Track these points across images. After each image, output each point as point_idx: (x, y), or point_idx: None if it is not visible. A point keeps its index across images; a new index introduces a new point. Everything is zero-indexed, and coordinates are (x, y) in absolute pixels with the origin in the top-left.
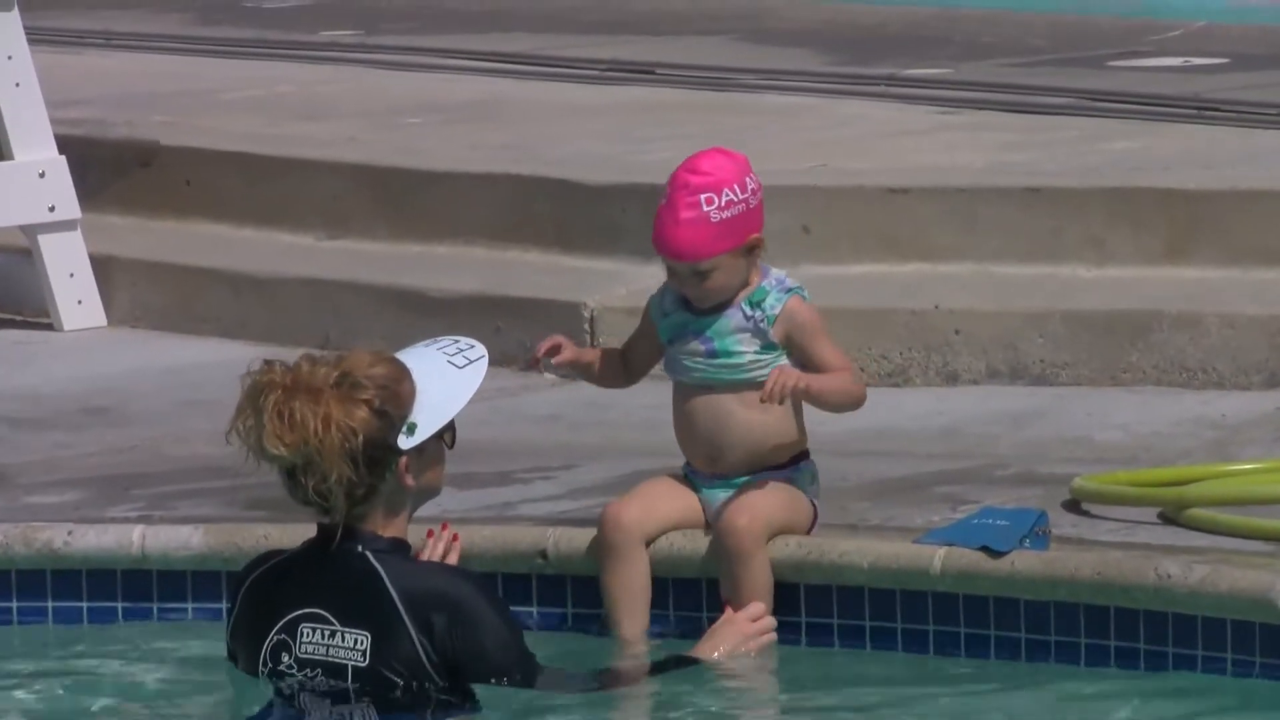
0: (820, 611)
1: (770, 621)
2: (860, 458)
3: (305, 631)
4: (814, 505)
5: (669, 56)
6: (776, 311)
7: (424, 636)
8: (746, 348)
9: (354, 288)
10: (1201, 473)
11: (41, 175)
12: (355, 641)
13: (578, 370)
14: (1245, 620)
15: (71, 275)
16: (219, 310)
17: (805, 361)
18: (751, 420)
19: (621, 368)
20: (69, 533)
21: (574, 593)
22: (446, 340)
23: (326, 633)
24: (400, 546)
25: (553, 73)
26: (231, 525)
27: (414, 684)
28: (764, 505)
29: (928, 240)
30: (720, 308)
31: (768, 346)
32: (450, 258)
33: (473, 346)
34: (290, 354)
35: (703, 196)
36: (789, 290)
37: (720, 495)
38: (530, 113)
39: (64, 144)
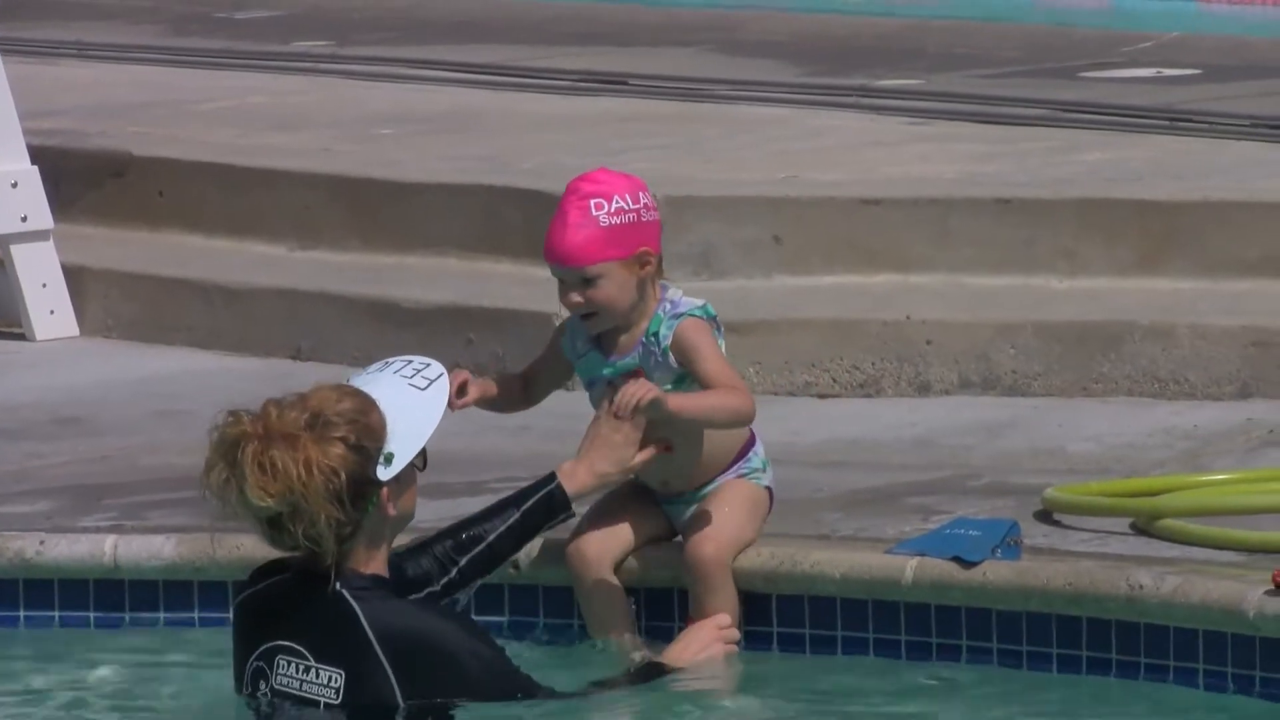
0: (792, 622)
1: (735, 633)
2: (833, 468)
3: (281, 663)
4: (769, 491)
5: (642, 67)
6: (669, 341)
7: (400, 676)
8: (660, 381)
9: (326, 298)
10: (1174, 483)
11: (14, 185)
12: (329, 679)
13: (483, 405)
14: (1217, 631)
15: (44, 285)
16: (191, 320)
17: (697, 382)
18: (688, 446)
19: (521, 392)
20: (41, 542)
21: (546, 602)
22: (399, 362)
23: (301, 667)
24: (380, 584)
25: (526, 83)
26: (204, 535)
27: None
28: (727, 529)
29: (900, 251)
30: (627, 345)
31: (678, 378)
32: (423, 268)
33: (428, 365)
34: (264, 364)
35: (592, 201)
36: (679, 315)
37: (683, 510)
38: (503, 124)
39: (37, 154)
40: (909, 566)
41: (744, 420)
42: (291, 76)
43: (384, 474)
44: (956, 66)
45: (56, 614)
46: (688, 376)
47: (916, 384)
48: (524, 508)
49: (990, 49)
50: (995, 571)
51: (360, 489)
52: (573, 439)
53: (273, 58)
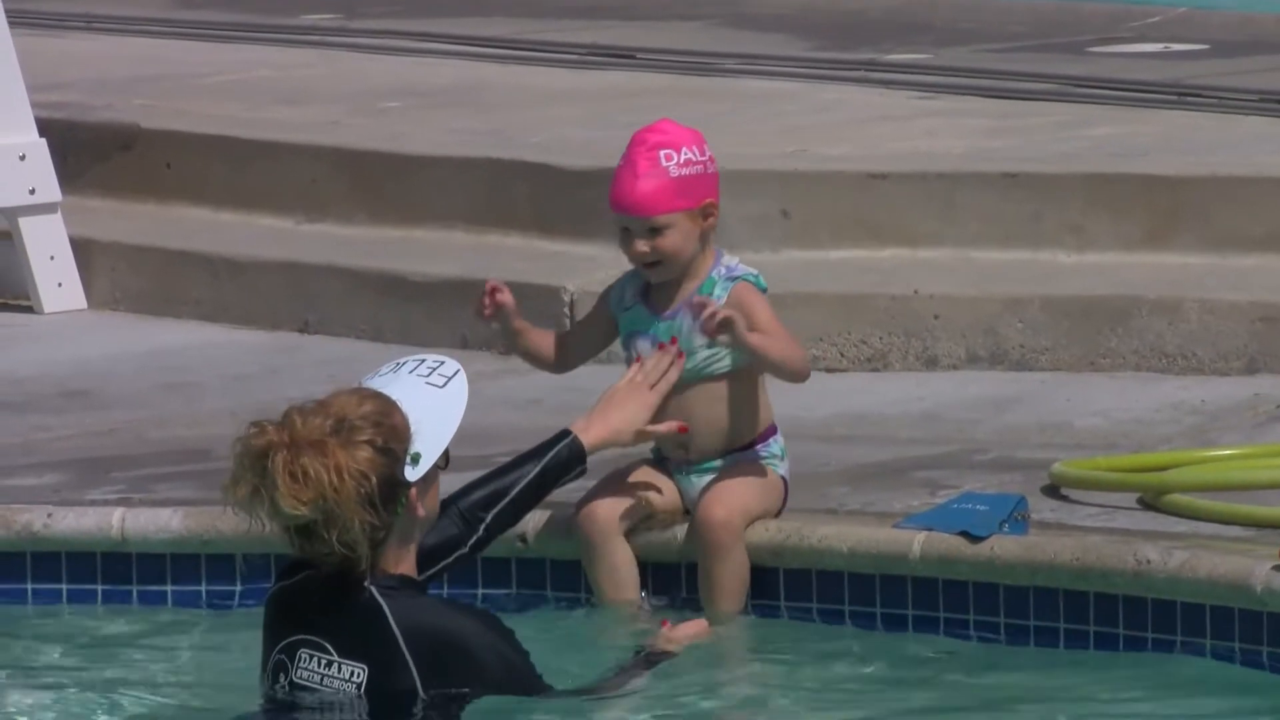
0: (799, 596)
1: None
2: (840, 443)
3: (303, 657)
4: (784, 481)
5: (649, 41)
6: (723, 299)
7: (423, 671)
8: (700, 342)
9: (333, 271)
10: (1181, 458)
11: (22, 158)
12: (351, 673)
13: (511, 323)
14: (1224, 606)
15: (52, 258)
16: (199, 293)
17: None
18: (714, 410)
19: (555, 349)
20: (48, 515)
21: (553, 575)
22: (412, 361)
23: (324, 661)
24: (408, 583)
25: (533, 57)
26: (211, 508)
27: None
28: (740, 497)
29: (907, 225)
30: (674, 303)
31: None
32: (429, 242)
33: (443, 363)
34: (270, 337)
35: (661, 152)
36: (735, 278)
37: (696, 482)
38: (510, 97)
39: (44, 127)
40: (916, 541)
41: (802, 376)
42: (298, 50)
43: (412, 474)
44: (964, 41)
45: (64, 587)
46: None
47: (924, 358)
48: (543, 461)
49: (998, 23)
50: (1003, 546)
51: (390, 491)
52: (580, 413)
53: (280, 31)
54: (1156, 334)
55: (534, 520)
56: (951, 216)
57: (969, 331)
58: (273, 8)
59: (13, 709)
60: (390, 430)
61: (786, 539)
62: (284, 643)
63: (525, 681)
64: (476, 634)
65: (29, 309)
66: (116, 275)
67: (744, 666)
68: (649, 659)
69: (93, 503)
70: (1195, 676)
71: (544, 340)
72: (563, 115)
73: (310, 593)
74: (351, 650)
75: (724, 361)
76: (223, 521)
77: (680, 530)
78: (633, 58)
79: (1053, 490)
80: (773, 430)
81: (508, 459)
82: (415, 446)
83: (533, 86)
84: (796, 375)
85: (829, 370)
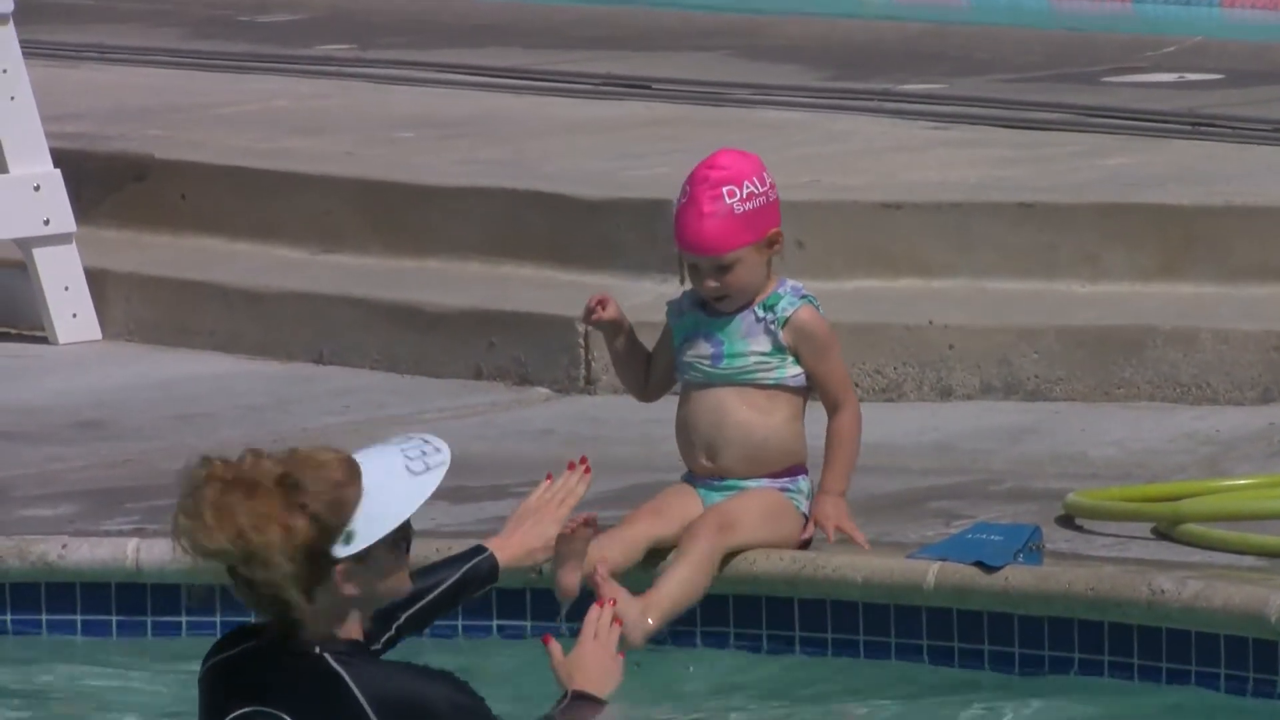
0: (814, 626)
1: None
2: (855, 473)
3: None
4: (807, 520)
5: (664, 72)
6: (788, 314)
7: None
8: (755, 347)
9: (348, 302)
10: (1195, 488)
11: (36, 189)
12: None
13: (612, 331)
14: (1239, 636)
15: (66, 289)
16: (213, 324)
17: (809, 373)
18: (751, 419)
19: (645, 365)
20: (63, 546)
21: (568, 607)
22: (417, 439)
23: None
24: (360, 649)
25: (548, 87)
26: None
27: None
28: (743, 518)
29: (921, 256)
30: (735, 310)
31: (776, 349)
32: (444, 272)
33: (439, 451)
34: (285, 368)
35: (725, 189)
36: (803, 297)
37: (717, 498)
38: (525, 127)
39: (59, 157)
40: (931, 571)
41: (860, 438)
42: (314, 80)
43: (341, 551)
44: (978, 71)
45: (79, 618)
46: (784, 351)
47: (938, 389)
48: (461, 571)
49: (1012, 54)
50: (1017, 576)
51: (314, 560)
52: (594, 444)
53: (295, 61)
54: (1171, 364)
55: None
56: (966, 246)
57: (983, 362)
58: (288, 38)
59: None
60: (333, 502)
61: (801, 569)
62: (232, 716)
63: None
64: (439, 694)
65: (43, 340)
66: (131, 306)
67: (753, 701)
68: (579, 707)
69: (107, 533)
70: (1210, 707)
71: (637, 351)
72: (578, 145)
73: (254, 663)
74: (310, 717)
75: (774, 372)
76: None
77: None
78: (648, 88)
79: (1067, 520)
80: (803, 470)
81: (520, 489)
82: (352, 525)
83: (548, 117)
84: (859, 435)
85: None
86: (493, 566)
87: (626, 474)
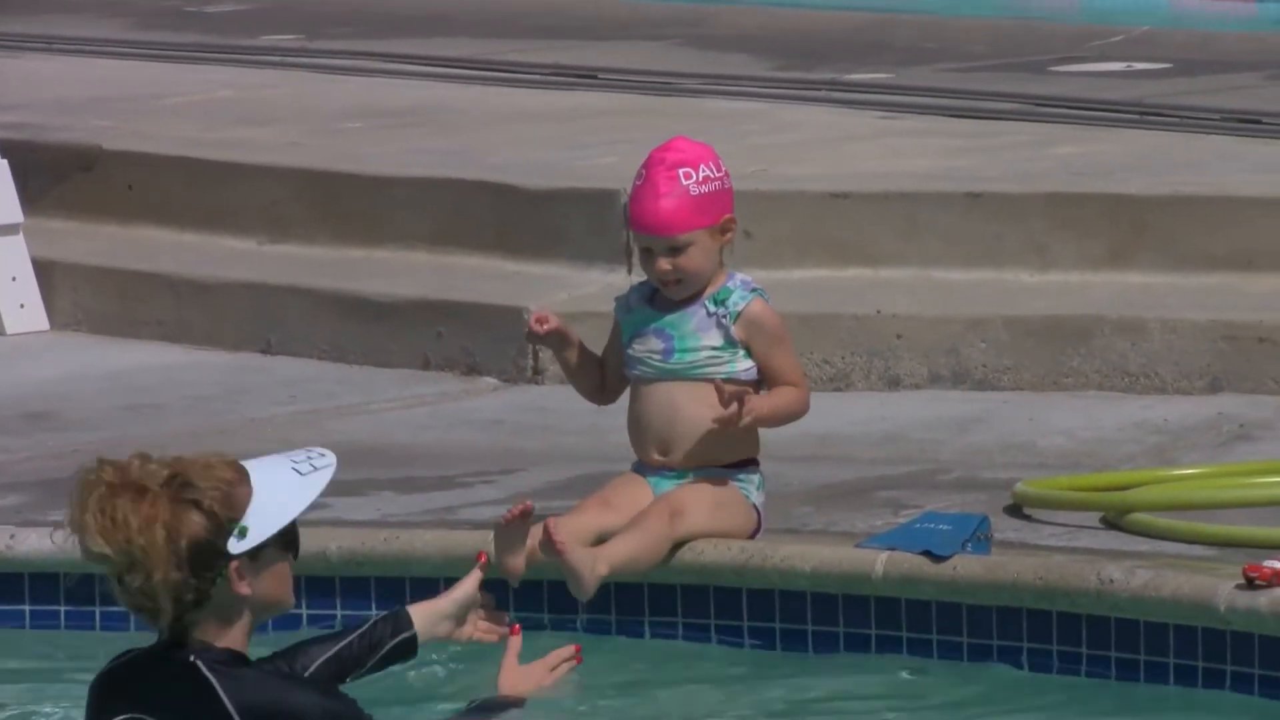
0: (763, 616)
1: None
2: (803, 463)
3: None
4: (758, 512)
5: (612, 61)
6: (740, 308)
7: None
8: (706, 341)
9: (295, 292)
10: (1144, 478)
11: None
12: None
13: (558, 344)
14: (1188, 625)
15: (14, 279)
16: (161, 314)
17: (762, 366)
18: (703, 414)
19: (598, 369)
20: (11, 536)
21: (516, 597)
22: (301, 450)
23: None
24: (236, 658)
25: (495, 77)
26: None
27: None
28: (694, 506)
29: (870, 245)
30: (684, 303)
31: (728, 343)
32: (392, 262)
33: (322, 455)
34: (233, 358)
35: (681, 171)
36: (753, 290)
37: (668, 487)
38: (472, 118)
39: (5, 148)
40: (879, 561)
41: (803, 414)
42: (260, 70)
43: (235, 547)
44: (926, 60)
45: (26, 608)
46: (736, 345)
47: (886, 378)
48: (374, 633)
49: (959, 43)
50: (965, 566)
51: (206, 558)
52: (543, 434)
53: (241, 51)
54: (1119, 353)
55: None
56: (914, 236)
57: (931, 351)
58: (233, 29)
59: None
60: (225, 497)
61: (749, 559)
62: None
63: None
64: (314, 704)
65: None
66: (79, 296)
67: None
68: (493, 704)
69: (55, 524)
70: (1158, 697)
71: (588, 358)
72: (525, 135)
73: (136, 671)
74: None
75: (725, 365)
76: None
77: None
78: (595, 78)
79: (1015, 510)
80: (754, 463)
81: (468, 480)
82: (245, 520)
83: (495, 107)
84: (800, 416)
85: None
86: (410, 642)
87: (575, 464)
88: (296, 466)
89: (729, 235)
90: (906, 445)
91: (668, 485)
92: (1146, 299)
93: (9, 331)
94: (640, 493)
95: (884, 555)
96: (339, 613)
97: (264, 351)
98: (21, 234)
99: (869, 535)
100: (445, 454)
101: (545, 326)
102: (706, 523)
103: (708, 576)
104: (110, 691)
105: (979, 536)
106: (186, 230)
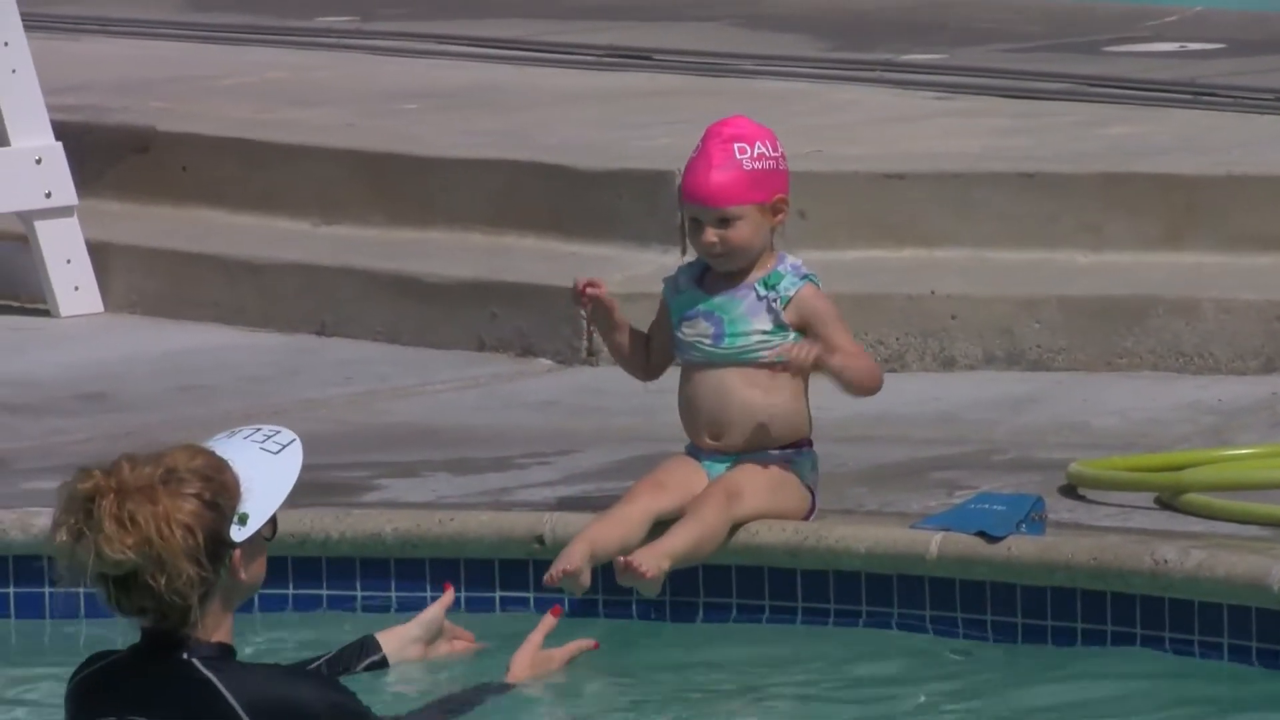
0: (816, 597)
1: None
2: (857, 443)
3: None
4: (812, 493)
5: (665, 42)
6: (791, 294)
7: None
8: (757, 325)
9: (349, 273)
10: (1198, 458)
11: (38, 161)
12: None
13: (605, 318)
14: (1242, 605)
15: (68, 261)
16: (215, 296)
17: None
18: (755, 398)
19: (644, 348)
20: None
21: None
22: (247, 429)
23: None
24: (227, 651)
25: (549, 58)
26: None
27: None
28: (749, 486)
29: (924, 226)
30: (734, 286)
31: (779, 328)
32: (446, 243)
33: (279, 432)
34: (287, 340)
35: (736, 145)
36: (804, 276)
37: (720, 470)
38: (526, 98)
39: (61, 130)
40: (933, 541)
41: (877, 387)
42: (313, 52)
43: (238, 535)
44: (979, 41)
45: (81, 590)
46: (786, 329)
47: (941, 359)
48: (341, 659)
49: (1012, 23)
50: (1020, 546)
51: (215, 548)
52: (597, 415)
53: (295, 33)
54: (1173, 334)
55: (552, 523)
56: (968, 216)
57: (986, 332)
58: (287, 10)
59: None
60: (220, 486)
61: (804, 540)
62: None
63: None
64: (310, 694)
65: (45, 312)
66: (133, 278)
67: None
68: (492, 690)
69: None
70: (1213, 676)
71: (635, 335)
72: (579, 116)
73: (121, 675)
74: None
75: (774, 351)
76: None
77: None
78: (649, 59)
79: (1070, 490)
80: (807, 444)
81: (523, 461)
82: (244, 507)
83: (549, 88)
84: (872, 390)
85: None
86: (377, 648)
87: (629, 445)
88: (264, 447)
89: (780, 216)
90: (961, 426)
91: (721, 468)
92: (1200, 279)
93: (63, 314)
94: (694, 475)
95: (938, 536)
96: (394, 594)
97: (318, 333)
98: (76, 216)
99: (923, 516)
100: (499, 435)
101: (598, 289)
102: (763, 504)
103: (762, 557)
104: (96, 698)
105: (1033, 517)
106: (241, 212)
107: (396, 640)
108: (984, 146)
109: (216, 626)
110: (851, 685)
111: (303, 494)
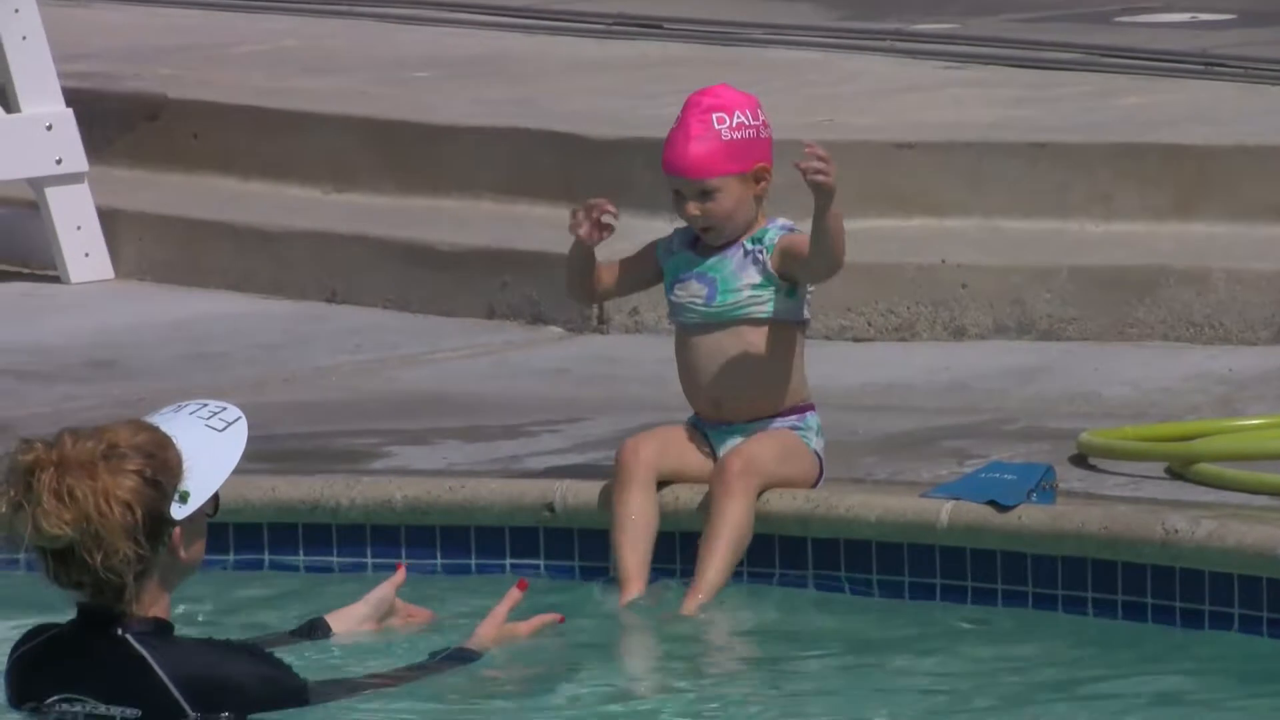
0: (827, 565)
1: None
2: (868, 412)
3: (67, 715)
4: (819, 458)
5: (676, 11)
6: (775, 242)
7: (200, 707)
8: (745, 280)
9: (361, 241)
10: (1208, 428)
11: (49, 128)
12: (121, 713)
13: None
14: (1252, 575)
15: (78, 228)
16: (225, 263)
17: (797, 268)
18: (751, 363)
19: (608, 273)
20: None
21: (581, 545)
22: (194, 404)
23: (88, 713)
24: (164, 627)
25: (560, 27)
26: (239, 477)
27: None
28: (763, 457)
29: (934, 195)
30: (724, 247)
31: (766, 279)
32: (457, 211)
33: (225, 409)
34: (297, 307)
35: (715, 115)
36: (791, 230)
37: (730, 442)
38: (537, 67)
39: (71, 97)
40: (944, 510)
41: (841, 258)
42: (324, 20)
43: (178, 513)
44: (990, 11)
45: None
46: (773, 283)
47: (951, 328)
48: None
49: None
50: (1030, 515)
51: (155, 526)
52: (608, 383)
53: (307, 1)
54: (1184, 303)
55: (562, 490)
56: (979, 186)
57: (996, 301)
58: None
59: None
60: (161, 464)
61: (815, 508)
62: (42, 703)
63: (292, 693)
64: (241, 667)
65: (56, 279)
66: (143, 245)
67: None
68: (453, 656)
69: None
70: (1223, 646)
71: (598, 268)
72: (590, 85)
73: (59, 649)
74: (119, 699)
75: (767, 305)
76: (250, 491)
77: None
78: (660, 28)
79: (1080, 459)
80: (809, 407)
81: (534, 429)
82: (185, 485)
83: (560, 56)
84: (840, 257)
85: (856, 340)
86: (327, 629)
87: (640, 413)
88: (209, 424)
89: (763, 184)
90: (971, 395)
91: (728, 441)
92: (1211, 249)
93: (74, 280)
94: (700, 444)
95: (949, 505)
96: (405, 561)
97: (328, 300)
98: (87, 183)
99: (934, 485)
100: (510, 403)
101: (609, 209)
102: (775, 474)
103: (772, 526)
104: (34, 673)
105: (1044, 486)
106: (251, 179)
107: (347, 620)
108: (995, 116)
109: (153, 603)
110: (863, 653)
111: (314, 461)
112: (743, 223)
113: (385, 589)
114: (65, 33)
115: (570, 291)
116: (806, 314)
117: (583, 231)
